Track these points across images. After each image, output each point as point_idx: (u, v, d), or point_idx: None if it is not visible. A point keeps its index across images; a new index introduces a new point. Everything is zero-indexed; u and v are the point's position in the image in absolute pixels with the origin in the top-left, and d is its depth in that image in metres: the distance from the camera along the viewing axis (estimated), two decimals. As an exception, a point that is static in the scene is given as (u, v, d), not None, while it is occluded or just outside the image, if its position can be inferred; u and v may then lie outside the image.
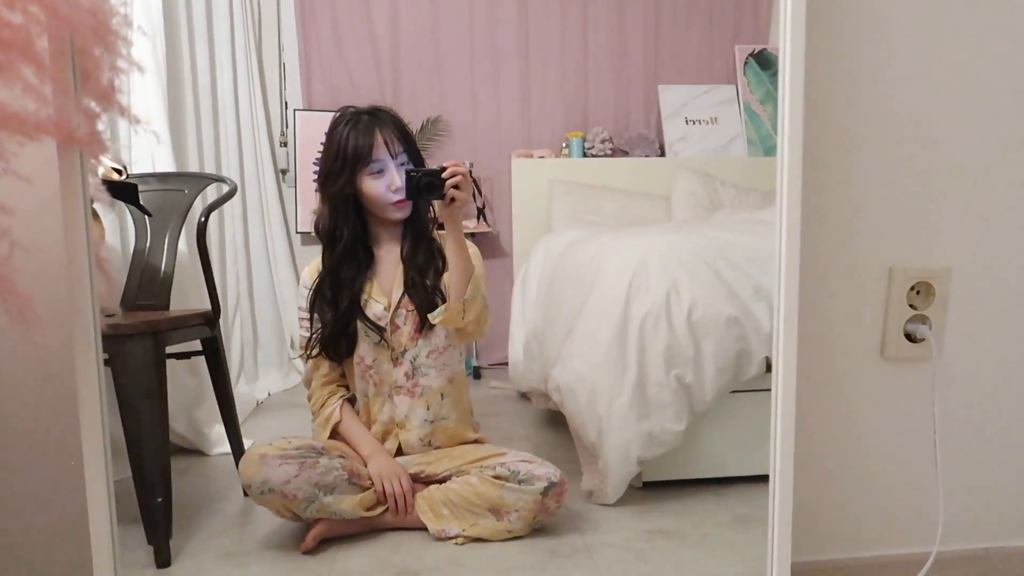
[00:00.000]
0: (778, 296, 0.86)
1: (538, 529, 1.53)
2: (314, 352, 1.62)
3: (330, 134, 1.59)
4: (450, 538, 1.50)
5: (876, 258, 1.07)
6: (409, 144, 1.61)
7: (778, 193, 0.85)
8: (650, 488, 1.76)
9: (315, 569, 1.39)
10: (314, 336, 1.62)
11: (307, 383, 1.70)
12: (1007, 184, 1.09)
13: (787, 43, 0.88)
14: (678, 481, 1.77)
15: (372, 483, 1.55)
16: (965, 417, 1.13)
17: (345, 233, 1.58)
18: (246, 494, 1.54)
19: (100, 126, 0.74)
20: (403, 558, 1.43)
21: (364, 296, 1.61)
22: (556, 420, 2.46)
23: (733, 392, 1.73)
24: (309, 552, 1.46)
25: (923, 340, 1.07)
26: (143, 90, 2.04)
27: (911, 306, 1.07)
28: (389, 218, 1.60)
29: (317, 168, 2.57)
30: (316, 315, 1.61)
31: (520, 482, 1.50)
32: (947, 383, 1.11)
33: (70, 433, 0.82)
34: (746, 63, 3.77)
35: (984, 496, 1.16)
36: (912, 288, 1.07)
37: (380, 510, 1.54)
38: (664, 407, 1.66)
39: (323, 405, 1.65)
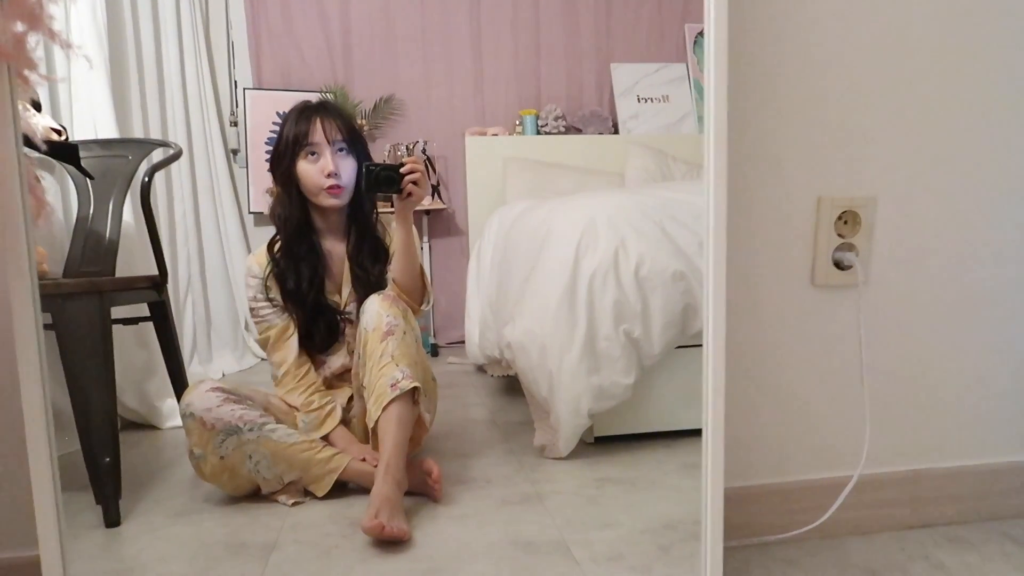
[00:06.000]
0: (707, 225, 0.89)
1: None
2: (281, 341, 1.64)
3: (282, 123, 1.65)
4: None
5: (805, 190, 1.11)
6: (352, 134, 1.63)
7: (706, 128, 0.88)
8: (602, 442, 1.79)
9: (267, 523, 1.39)
10: (278, 324, 1.63)
11: (276, 378, 1.67)
12: (928, 117, 1.14)
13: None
14: (629, 435, 1.81)
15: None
16: (891, 341, 1.18)
17: (292, 219, 1.62)
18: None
19: (32, 45, 0.74)
20: (356, 511, 1.44)
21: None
22: (511, 387, 2.49)
23: (680, 347, 1.77)
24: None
25: (851, 267, 1.11)
26: (87, 74, 1.99)
27: (839, 235, 1.11)
28: (322, 204, 1.62)
29: (269, 148, 2.42)
30: (277, 302, 1.63)
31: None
32: (874, 308, 1.16)
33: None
34: (695, 41, 3.83)
35: (911, 419, 1.21)
36: (840, 218, 1.11)
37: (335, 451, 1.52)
38: (613, 361, 1.69)
39: (318, 408, 1.62)
